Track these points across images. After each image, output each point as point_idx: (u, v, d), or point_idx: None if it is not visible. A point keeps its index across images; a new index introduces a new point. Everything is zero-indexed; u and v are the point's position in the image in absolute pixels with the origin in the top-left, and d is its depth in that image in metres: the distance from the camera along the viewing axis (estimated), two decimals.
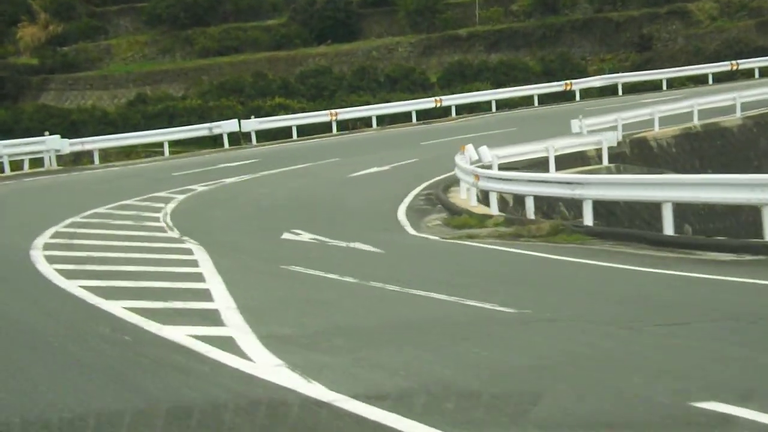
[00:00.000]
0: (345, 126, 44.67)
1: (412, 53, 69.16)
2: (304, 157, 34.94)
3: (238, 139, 41.86)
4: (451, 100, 46.97)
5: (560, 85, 48.92)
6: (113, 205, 23.90)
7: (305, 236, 18.51)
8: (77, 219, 21.05)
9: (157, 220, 21.41)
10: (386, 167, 31.15)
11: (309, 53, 69.52)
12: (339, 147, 38.85)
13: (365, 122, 44.99)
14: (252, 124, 41.74)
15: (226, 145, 41.21)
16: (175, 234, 19.10)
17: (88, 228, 19.68)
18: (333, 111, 44.32)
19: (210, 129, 41.14)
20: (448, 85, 58.36)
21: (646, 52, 62.74)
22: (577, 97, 49.21)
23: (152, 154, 41.36)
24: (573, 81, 49.10)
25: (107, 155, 40.72)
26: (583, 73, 59.49)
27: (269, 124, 42.69)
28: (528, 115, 45.55)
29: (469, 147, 26.71)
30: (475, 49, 66.97)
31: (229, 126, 41.23)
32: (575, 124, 33.42)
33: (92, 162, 38.37)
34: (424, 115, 46.33)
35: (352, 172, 30.00)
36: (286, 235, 18.71)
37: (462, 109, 47.51)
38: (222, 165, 34.05)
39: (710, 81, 50.09)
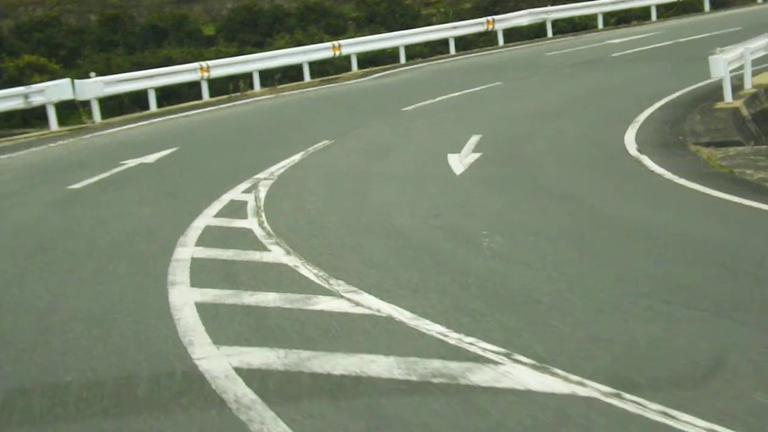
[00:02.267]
0: (220, 87, 28.45)
1: (167, 0, 53.70)
2: (255, 143, 19.44)
3: (72, 112, 24.58)
4: (352, 46, 31.78)
5: (481, 24, 34.99)
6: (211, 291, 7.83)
7: None
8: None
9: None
10: (473, 155, 16.27)
11: (9, 2, 52.15)
12: (273, 123, 23.21)
13: (242, 80, 28.80)
14: (94, 88, 24.55)
15: (54, 124, 23.84)
16: None
17: None
18: (204, 64, 27.84)
19: (26, 97, 23.51)
20: (233, 39, 43.61)
21: None
22: (501, 40, 35.54)
23: None
24: (495, 18, 35.29)
25: None
26: (417, 20, 46.67)
27: (119, 86, 25.57)
28: (468, 65, 31.44)
29: None
30: None
31: (56, 91, 23.83)
32: (718, 63, 20.10)
33: None
34: (319, 70, 31.04)
35: (451, 168, 14.99)
36: None
37: (365, 61, 32.56)
38: (130, 163, 17.45)
39: (654, 15, 38.21)
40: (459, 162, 15.55)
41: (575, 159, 15.46)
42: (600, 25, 37.31)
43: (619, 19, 38.32)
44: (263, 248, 10.12)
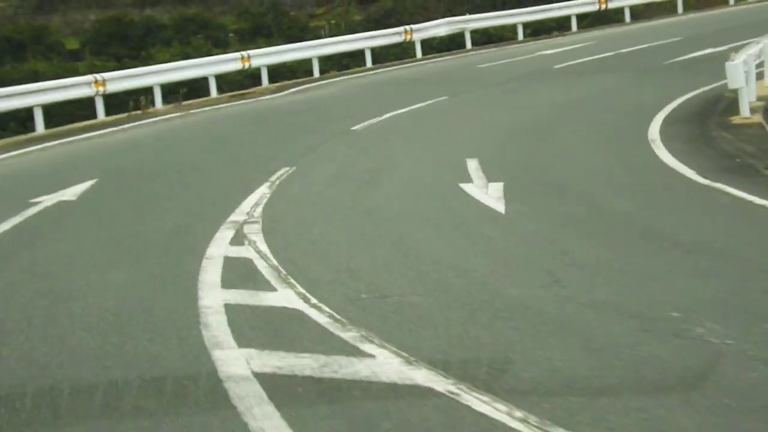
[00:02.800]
0: (117, 104, 24.14)
1: (21, 11, 49.14)
2: (196, 171, 15.66)
3: None
4: (263, 57, 27.88)
5: (398, 34, 31.51)
6: None
7: None
8: None
9: None
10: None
11: None
12: (203, 146, 19.39)
13: (144, 96, 24.52)
14: None
15: None
16: None
17: None
18: (98, 77, 23.48)
19: None
20: (100, 52, 39.83)
21: (373, 1, 47.90)
22: (419, 52, 32.10)
23: None
24: (413, 28, 31.84)
25: None
26: (305, 32, 43.68)
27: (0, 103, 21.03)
28: (396, 79, 27.96)
29: None
30: (121, 3, 48.15)
31: None
32: (737, 71, 17.14)
33: None
34: (227, 83, 27.10)
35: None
36: None
37: (276, 75, 28.71)
38: (44, 201, 13.29)
39: (574, 25, 35.43)
40: (485, 194, 12.09)
41: (635, 189, 12.18)
42: (520, 36, 34.37)
43: (533, 30, 35.51)
44: (358, 351, 6.36)
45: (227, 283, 8.47)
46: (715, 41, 27.48)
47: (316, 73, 29.23)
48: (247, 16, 44.81)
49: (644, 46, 29.03)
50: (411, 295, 7.83)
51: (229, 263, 9.23)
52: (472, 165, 14.16)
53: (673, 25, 34.47)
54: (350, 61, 33.68)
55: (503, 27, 34.35)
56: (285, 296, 7.91)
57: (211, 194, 13.31)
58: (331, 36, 35.64)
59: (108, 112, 23.55)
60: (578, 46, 30.91)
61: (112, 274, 8.98)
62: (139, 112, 23.75)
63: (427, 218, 11.13)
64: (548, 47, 31.36)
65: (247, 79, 29.43)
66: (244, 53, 27.40)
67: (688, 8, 37.84)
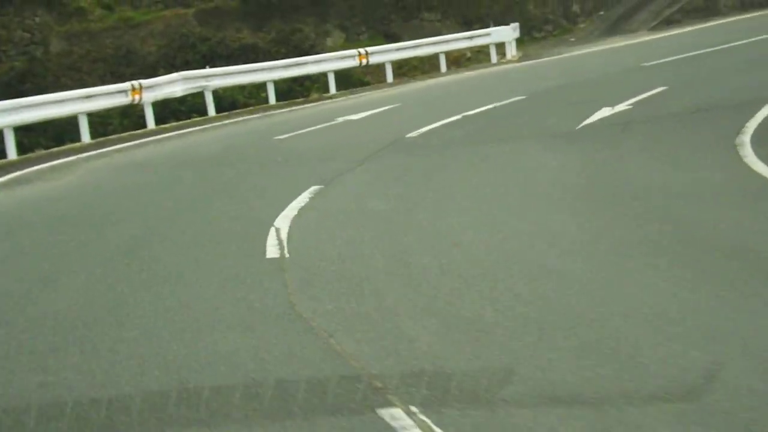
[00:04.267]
0: None
1: None
2: None
3: None
4: None
5: (124, 92, 20.57)
6: None
7: None
8: None
9: None
10: None
11: None
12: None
13: None
14: None
15: None
16: None
17: None
18: None
19: None
20: None
21: None
22: (151, 120, 21.36)
23: None
24: (143, 84, 21.02)
25: None
26: None
27: None
28: (160, 160, 17.34)
29: None
30: None
31: None
32: None
33: None
34: None
35: None
36: None
37: None
38: None
39: (333, 86, 26.19)
40: None
41: None
42: (271, 98, 24.65)
43: (279, 94, 26.10)
44: None
45: None
46: (600, 100, 19.60)
47: (12, 155, 17.76)
48: None
49: (489, 107, 20.61)
50: None
51: None
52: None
53: (464, 83, 26.63)
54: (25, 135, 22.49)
55: (240, 89, 24.61)
56: None
57: None
58: None
59: None
60: (385, 108, 22.02)
61: None
62: None
63: None
64: (342, 112, 22.02)
65: None
66: None
67: (451, 68, 30.21)
